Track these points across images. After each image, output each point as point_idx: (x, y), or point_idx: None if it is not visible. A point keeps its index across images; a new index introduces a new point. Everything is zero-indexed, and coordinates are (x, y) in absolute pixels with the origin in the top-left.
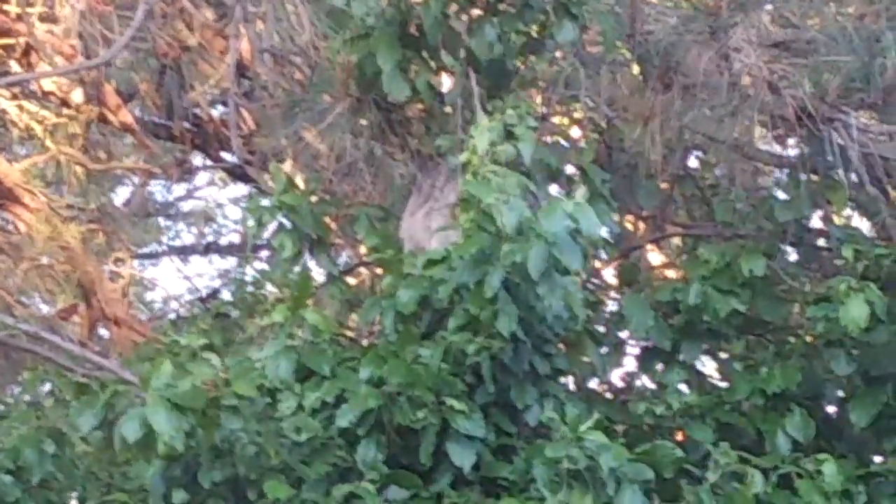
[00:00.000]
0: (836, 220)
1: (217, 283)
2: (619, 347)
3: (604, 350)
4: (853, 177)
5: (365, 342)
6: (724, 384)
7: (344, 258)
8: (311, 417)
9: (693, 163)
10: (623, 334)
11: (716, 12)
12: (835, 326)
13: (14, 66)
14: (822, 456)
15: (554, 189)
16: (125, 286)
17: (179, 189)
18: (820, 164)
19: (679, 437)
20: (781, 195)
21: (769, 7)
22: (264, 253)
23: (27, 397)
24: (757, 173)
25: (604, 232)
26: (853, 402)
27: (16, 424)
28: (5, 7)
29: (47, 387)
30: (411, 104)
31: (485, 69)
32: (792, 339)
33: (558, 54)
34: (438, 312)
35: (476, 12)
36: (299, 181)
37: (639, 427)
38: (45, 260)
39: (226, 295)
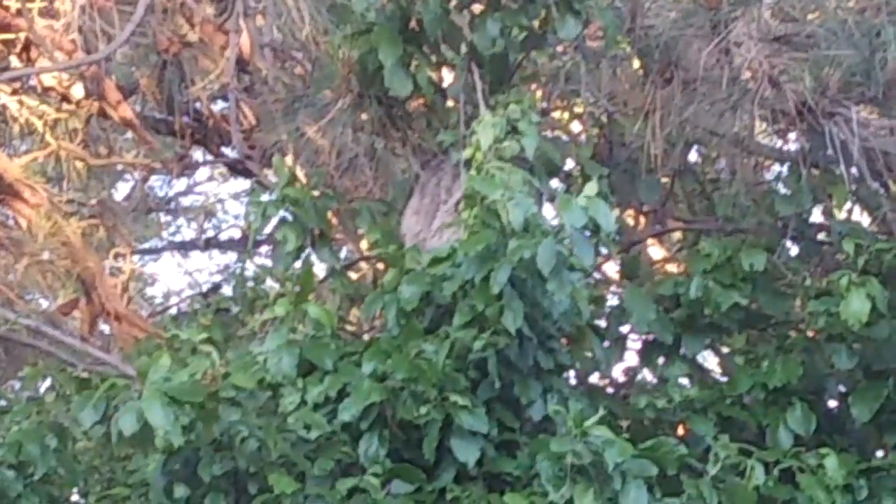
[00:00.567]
0: (837, 214)
1: (218, 278)
2: (620, 341)
3: (606, 344)
4: (854, 171)
5: (366, 336)
6: (725, 378)
7: (345, 252)
8: (314, 412)
9: (694, 157)
10: (624, 328)
11: (716, 7)
12: (836, 321)
13: (14, 62)
14: (823, 450)
15: (554, 183)
16: (126, 281)
17: (180, 184)
18: (821, 158)
19: (680, 430)
20: (782, 189)
21: (769, 1)
22: (265, 248)
23: (28, 392)
24: (758, 167)
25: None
26: (854, 397)
27: (17, 419)
28: (5, 2)
29: (48, 382)
30: (413, 99)
31: (487, 64)
32: (793, 334)
33: (559, 49)
34: (441, 308)
35: (478, 7)
36: (301, 176)
37: (640, 421)
38: (45, 255)
39: (226, 290)
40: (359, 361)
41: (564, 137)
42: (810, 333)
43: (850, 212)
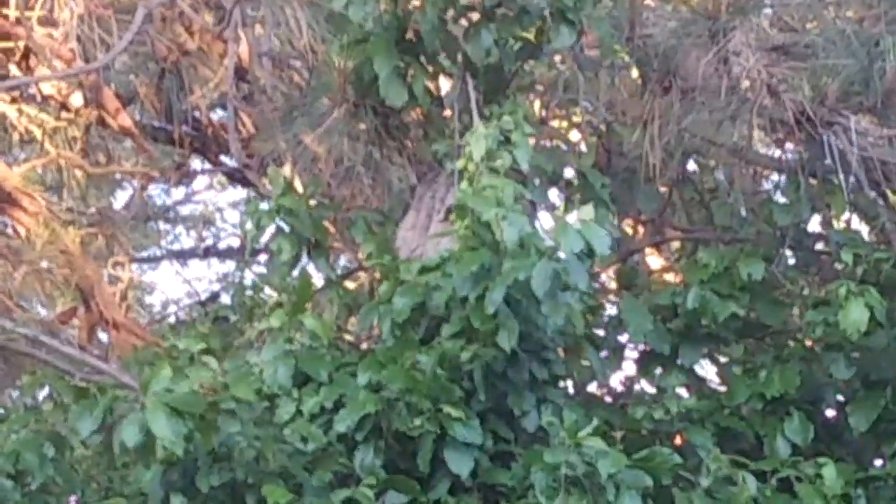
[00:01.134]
0: (836, 223)
1: (216, 287)
2: (618, 351)
3: (603, 354)
4: (852, 180)
5: (364, 346)
6: (723, 388)
7: (342, 262)
8: (310, 423)
9: (692, 166)
10: (622, 338)
11: (715, 16)
12: (834, 330)
13: (13, 70)
14: (821, 460)
15: (552, 193)
16: (124, 290)
17: (178, 193)
18: (819, 167)
19: (678, 441)
20: (781, 199)
21: (768, 11)
22: (263, 257)
23: (26, 401)
24: (756, 177)
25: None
26: (852, 406)
27: (15, 428)
28: (4, 11)
29: (46, 390)
30: (409, 109)
31: (482, 74)
32: (791, 343)
33: (557, 58)
34: (436, 319)
35: (473, 17)
36: (298, 185)
37: (637, 432)
38: (44, 264)
39: (225, 299)
40: (354, 372)
41: (563, 147)
42: (808, 343)
43: (848, 221)
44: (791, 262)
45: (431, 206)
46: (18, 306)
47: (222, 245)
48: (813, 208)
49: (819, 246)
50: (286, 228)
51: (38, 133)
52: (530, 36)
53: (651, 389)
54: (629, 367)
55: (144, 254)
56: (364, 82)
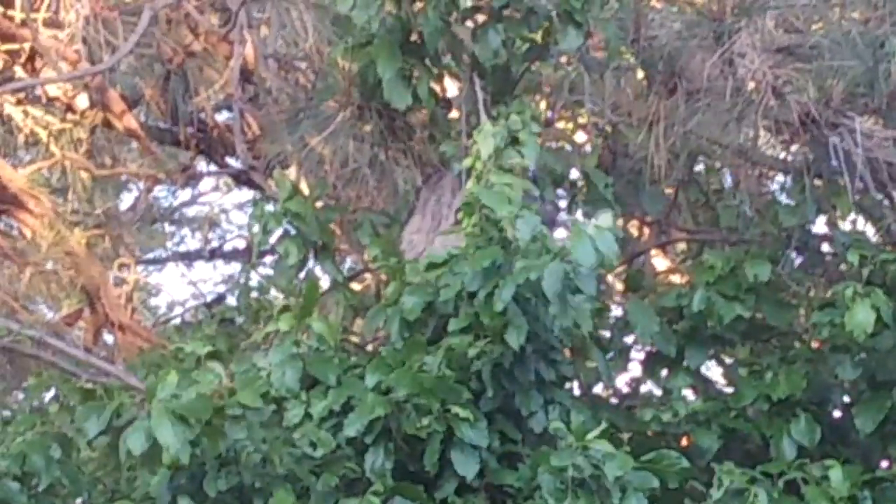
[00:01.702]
0: (841, 225)
1: (222, 289)
2: (624, 353)
3: (609, 356)
4: (858, 182)
5: (370, 347)
6: (729, 390)
7: (348, 263)
8: (319, 426)
9: (697, 168)
10: (628, 340)
11: (720, 17)
12: (840, 332)
13: (19, 72)
14: (828, 462)
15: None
16: (130, 291)
17: (184, 194)
18: (824, 169)
19: (684, 442)
20: (786, 200)
21: (773, 12)
22: (269, 258)
23: (32, 403)
24: (761, 178)
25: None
26: (859, 408)
27: (21, 430)
28: (9, 13)
29: (52, 392)
30: (414, 111)
31: (489, 75)
32: (797, 345)
33: (563, 59)
34: (444, 318)
35: (479, 18)
36: (304, 187)
37: (643, 433)
38: (49, 265)
39: (231, 300)
40: (362, 375)
41: (568, 147)
42: (814, 344)
43: (853, 222)
44: (797, 263)
45: (437, 209)
46: (24, 308)
47: (228, 247)
48: (818, 209)
49: (825, 247)
50: (292, 231)
51: (43, 135)
52: (537, 37)
53: (657, 391)
54: (635, 369)
55: (150, 255)
56: (369, 84)
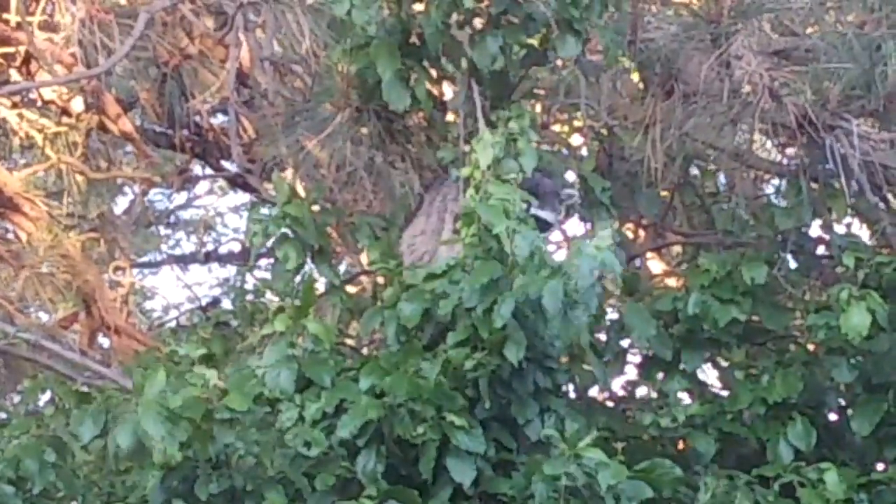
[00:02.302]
0: (837, 228)
1: (217, 292)
2: (620, 356)
3: (605, 359)
4: (854, 185)
5: (365, 350)
6: (725, 393)
7: (344, 266)
8: (312, 428)
9: (693, 171)
10: (624, 343)
11: (716, 20)
12: (836, 334)
13: (14, 75)
14: (824, 464)
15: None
16: (125, 295)
17: (180, 198)
18: (820, 171)
19: (680, 446)
20: (782, 203)
21: (770, 15)
22: (264, 261)
23: (27, 406)
24: (757, 181)
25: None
26: (855, 411)
27: (16, 433)
28: (5, 16)
29: (47, 395)
30: (412, 114)
31: (487, 81)
32: (793, 348)
33: (559, 63)
34: (441, 325)
35: (478, 22)
36: (300, 190)
37: (639, 437)
38: (45, 268)
39: (226, 304)
40: (356, 378)
41: (564, 151)
42: (810, 347)
43: (849, 225)
44: (792, 266)
45: (441, 212)
46: (19, 311)
47: (223, 250)
48: (814, 212)
49: (821, 250)
50: (291, 235)
51: (38, 138)
52: (535, 42)
53: (653, 394)
54: (631, 372)
55: (145, 259)
56: (367, 87)
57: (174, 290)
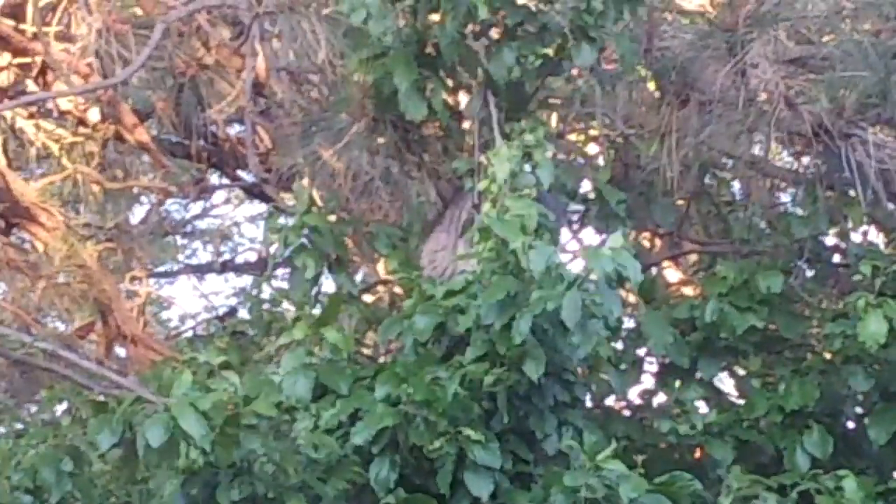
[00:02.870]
0: (853, 235)
1: (234, 302)
2: (637, 365)
3: (622, 367)
4: (870, 193)
5: (382, 359)
6: (741, 401)
7: (361, 275)
8: (327, 435)
9: (709, 179)
10: (641, 351)
11: (732, 29)
12: (853, 343)
13: (31, 86)
14: (841, 472)
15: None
16: (142, 304)
17: (196, 207)
18: (836, 179)
19: (697, 454)
20: (798, 211)
21: (786, 23)
22: (280, 271)
23: (45, 416)
24: (773, 189)
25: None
26: (872, 419)
27: (33, 443)
28: (21, 26)
29: (64, 405)
30: (428, 124)
31: (503, 91)
32: (810, 356)
33: (574, 72)
34: (456, 337)
35: (495, 32)
36: (317, 199)
37: (656, 445)
38: (62, 278)
39: (242, 313)
40: (371, 385)
41: (580, 160)
42: (827, 355)
43: (865, 233)
44: (809, 274)
45: (460, 227)
46: (37, 321)
47: (240, 259)
48: (830, 220)
49: (837, 258)
50: (309, 245)
51: (55, 148)
52: (550, 52)
53: (670, 402)
54: (648, 381)
55: (162, 268)
56: (383, 96)
57: (191, 300)
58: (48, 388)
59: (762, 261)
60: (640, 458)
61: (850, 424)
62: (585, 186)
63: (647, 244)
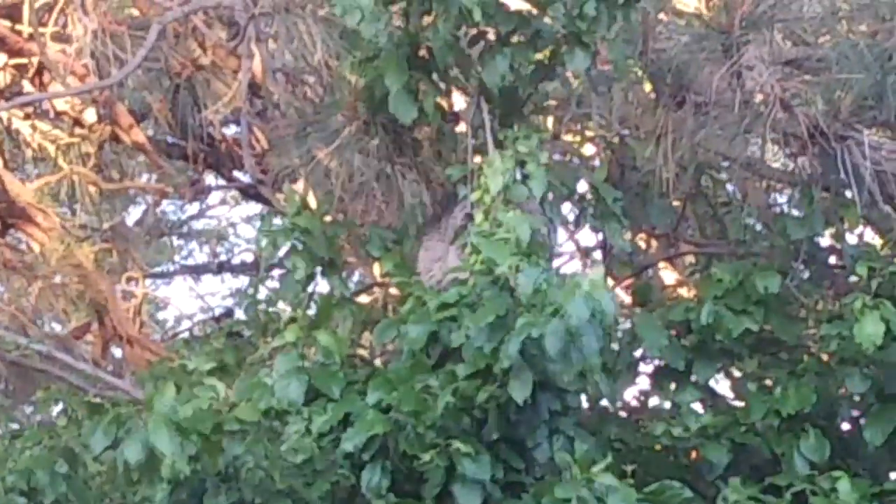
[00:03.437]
0: (849, 237)
1: (230, 302)
2: (632, 367)
3: (618, 369)
4: (865, 194)
5: (377, 362)
6: (737, 403)
7: (356, 277)
8: (318, 440)
9: (705, 181)
10: (636, 353)
11: (728, 30)
12: (849, 344)
13: (27, 86)
14: (836, 473)
15: (565, 207)
16: (138, 305)
17: (192, 208)
18: (832, 181)
19: (693, 456)
20: (794, 213)
21: (781, 25)
22: (277, 272)
23: (40, 417)
24: (769, 191)
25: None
26: (868, 421)
27: (28, 444)
28: (18, 27)
29: (60, 406)
30: (420, 126)
31: (496, 98)
32: (806, 358)
33: (569, 74)
34: (449, 348)
35: (487, 37)
36: (312, 200)
37: (651, 448)
38: (58, 279)
39: (239, 314)
40: (364, 390)
41: (576, 160)
42: (823, 357)
43: (861, 235)
44: (805, 276)
45: (456, 234)
46: (32, 322)
47: (236, 260)
48: (826, 222)
49: (833, 260)
50: (300, 247)
51: (51, 149)
52: (544, 56)
53: (666, 405)
54: (643, 383)
55: (158, 269)
56: (375, 98)
57: (187, 301)
58: (43, 390)
59: (758, 262)
60: (634, 463)
61: (846, 426)
62: (582, 187)
63: (643, 245)
